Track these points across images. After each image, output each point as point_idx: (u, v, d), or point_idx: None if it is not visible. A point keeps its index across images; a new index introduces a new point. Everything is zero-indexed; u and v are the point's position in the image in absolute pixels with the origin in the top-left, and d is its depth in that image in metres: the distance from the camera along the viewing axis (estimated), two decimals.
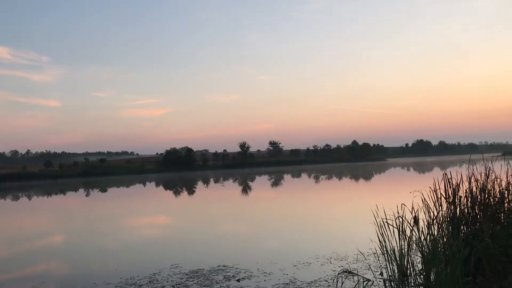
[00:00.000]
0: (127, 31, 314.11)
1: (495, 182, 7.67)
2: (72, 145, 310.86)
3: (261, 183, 53.69)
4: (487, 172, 7.67)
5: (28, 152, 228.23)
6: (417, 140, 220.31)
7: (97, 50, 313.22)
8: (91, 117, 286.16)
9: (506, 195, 7.66)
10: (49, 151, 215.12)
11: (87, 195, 45.88)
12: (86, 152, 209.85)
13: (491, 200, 7.43)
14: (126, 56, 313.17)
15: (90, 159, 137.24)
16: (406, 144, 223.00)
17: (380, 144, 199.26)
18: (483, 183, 7.49)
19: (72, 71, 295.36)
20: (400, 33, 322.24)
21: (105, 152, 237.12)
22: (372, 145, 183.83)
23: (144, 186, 57.55)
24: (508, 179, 7.82)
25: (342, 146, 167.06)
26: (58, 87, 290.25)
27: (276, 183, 52.01)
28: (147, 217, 24.21)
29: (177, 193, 43.35)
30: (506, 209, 7.63)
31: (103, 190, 52.52)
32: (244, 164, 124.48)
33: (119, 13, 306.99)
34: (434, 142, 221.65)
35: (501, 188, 7.67)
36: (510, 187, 7.70)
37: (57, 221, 24.25)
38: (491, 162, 7.90)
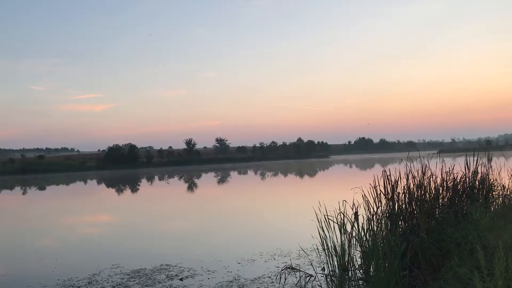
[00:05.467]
0: (67, 22, 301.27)
1: (431, 178, 7.99)
2: (8, 141, 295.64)
3: (206, 181, 53.39)
4: (424, 169, 7.99)
5: None
6: (359, 137, 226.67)
7: (35, 42, 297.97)
8: (28, 111, 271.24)
9: (440, 191, 8.02)
10: None
11: (24, 193, 43.82)
12: (23, 148, 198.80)
13: (427, 196, 7.74)
14: (65, 48, 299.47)
15: (27, 156, 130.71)
16: (349, 142, 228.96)
17: (324, 142, 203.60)
18: (419, 180, 7.79)
19: (8, 62, 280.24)
20: (343, 34, 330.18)
21: (44, 148, 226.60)
22: (316, 142, 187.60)
23: (85, 184, 55.73)
24: (443, 175, 8.18)
25: (287, 144, 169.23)
26: None
27: (222, 180, 51.90)
28: (88, 216, 23.43)
29: (119, 191, 42.27)
30: (440, 204, 7.99)
31: (42, 188, 50.35)
32: (190, 161, 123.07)
33: (60, 4, 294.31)
34: (375, 140, 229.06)
35: (436, 185, 8.02)
36: (445, 184, 8.06)
37: None
38: (428, 160, 8.23)
